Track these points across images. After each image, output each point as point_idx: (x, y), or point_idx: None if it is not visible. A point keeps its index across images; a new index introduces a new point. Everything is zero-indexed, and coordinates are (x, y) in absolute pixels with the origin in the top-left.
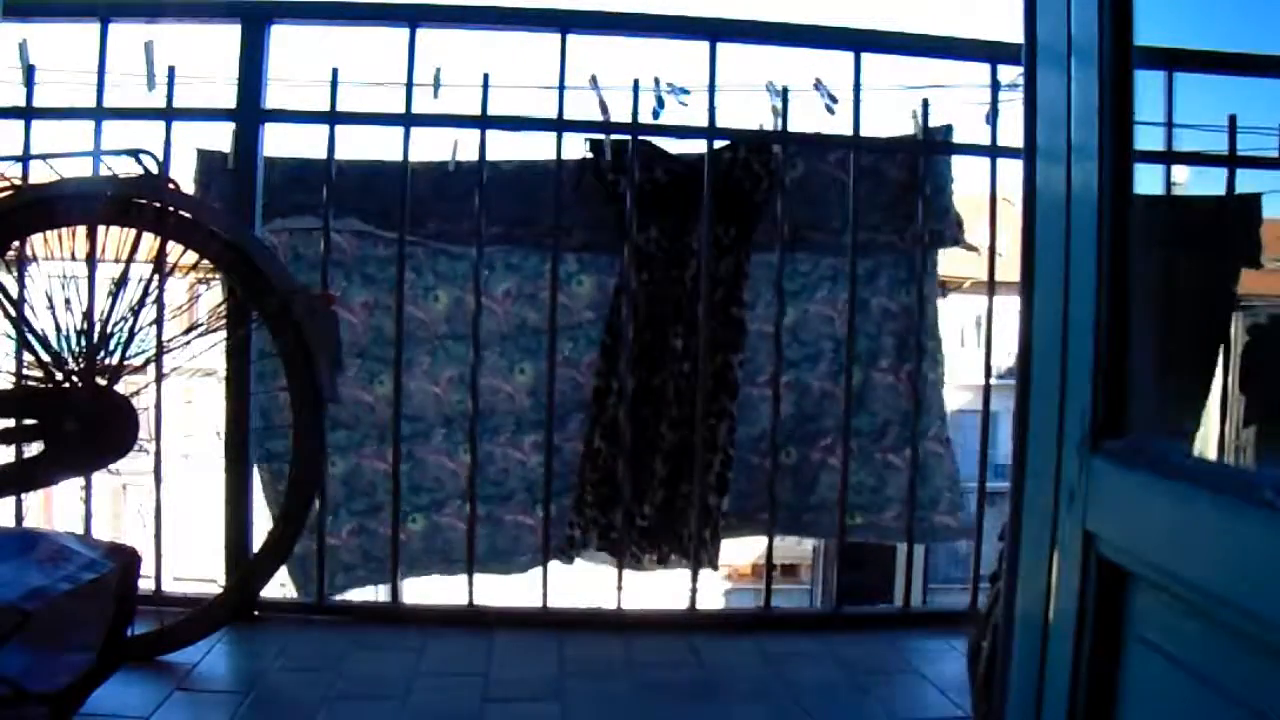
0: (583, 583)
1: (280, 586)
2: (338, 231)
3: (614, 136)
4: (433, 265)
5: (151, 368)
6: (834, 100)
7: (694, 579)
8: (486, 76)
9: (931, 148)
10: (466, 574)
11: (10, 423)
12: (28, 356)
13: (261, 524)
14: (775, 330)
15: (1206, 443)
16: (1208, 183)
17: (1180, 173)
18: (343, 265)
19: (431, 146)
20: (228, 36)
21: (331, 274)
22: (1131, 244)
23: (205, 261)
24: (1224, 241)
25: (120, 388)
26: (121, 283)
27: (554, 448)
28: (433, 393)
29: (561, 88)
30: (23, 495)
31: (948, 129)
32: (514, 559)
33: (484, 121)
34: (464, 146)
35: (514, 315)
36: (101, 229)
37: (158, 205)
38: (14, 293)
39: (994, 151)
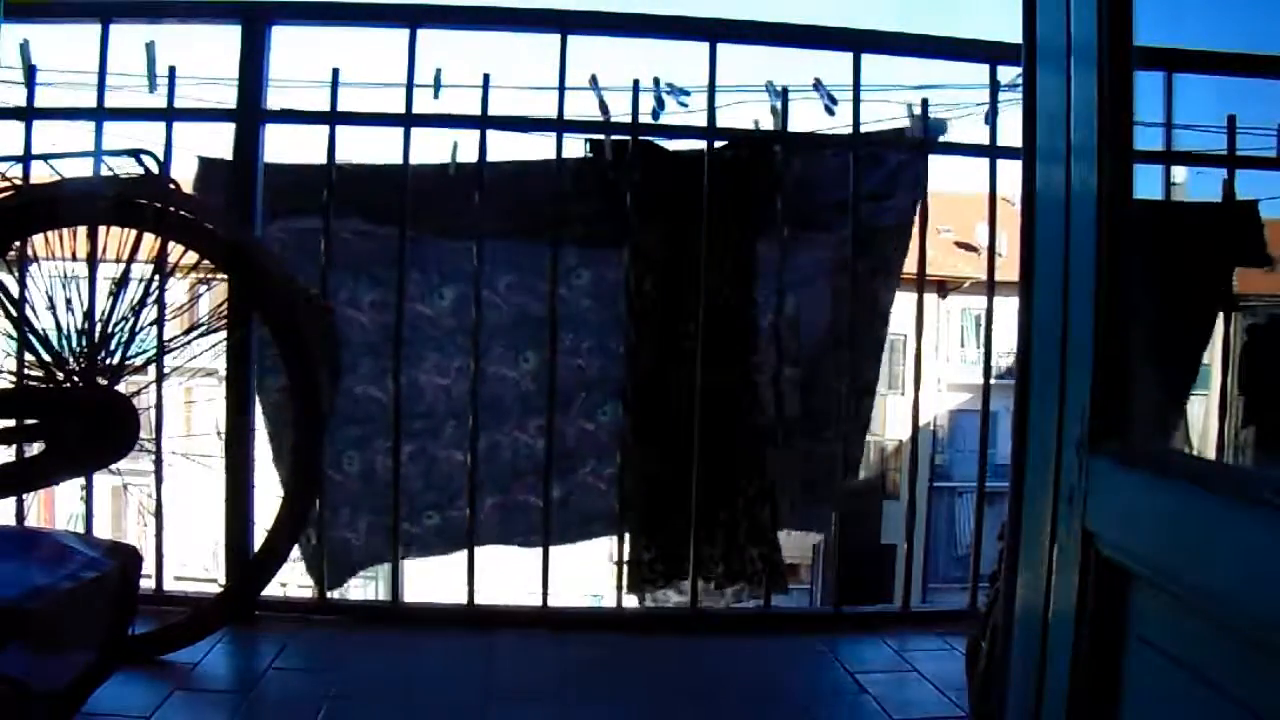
0: (583, 583)
1: (281, 586)
2: (343, 233)
3: (614, 137)
4: (438, 264)
5: (152, 368)
6: (834, 100)
7: (694, 579)
8: (487, 77)
9: (930, 146)
10: (468, 561)
11: (11, 423)
12: (29, 356)
13: (262, 524)
14: (775, 328)
15: (1206, 441)
16: (1206, 183)
17: (1179, 173)
18: (350, 267)
19: (432, 147)
20: (228, 37)
21: (339, 276)
22: (1131, 244)
23: (205, 262)
24: (1225, 249)
25: (121, 387)
26: (122, 283)
27: (557, 431)
28: (442, 385)
29: (561, 88)
30: (23, 495)
31: (942, 123)
32: (529, 536)
33: (484, 122)
34: (464, 148)
35: (516, 307)
36: (102, 229)
37: (158, 205)
38: (15, 293)
39: (993, 151)
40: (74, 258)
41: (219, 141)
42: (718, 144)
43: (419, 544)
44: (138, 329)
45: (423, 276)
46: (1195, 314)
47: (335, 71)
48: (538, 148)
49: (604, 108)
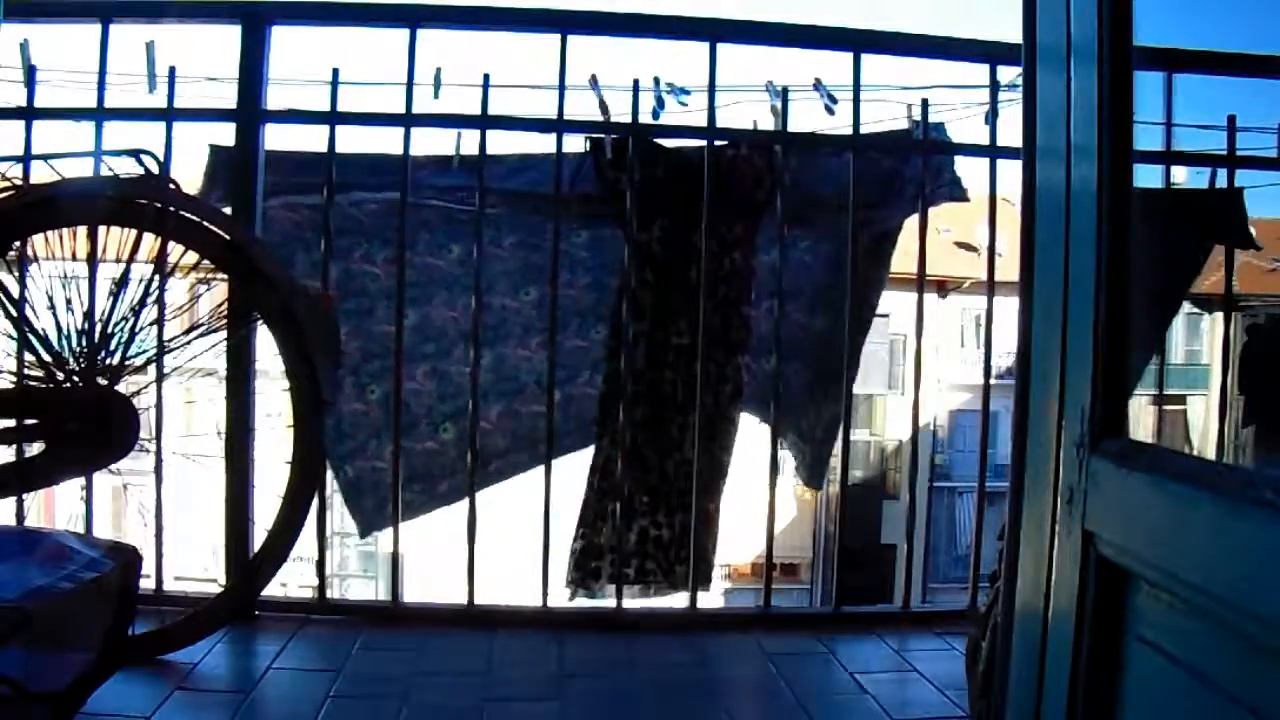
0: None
1: (281, 586)
2: (349, 205)
3: (614, 136)
4: (446, 226)
5: (152, 368)
6: (833, 100)
7: (694, 579)
8: (487, 77)
9: (929, 146)
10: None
11: (11, 423)
12: (29, 356)
13: (262, 524)
14: (775, 326)
15: (1206, 441)
16: (1205, 183)
17: (1179, 173)
18: (363, 232)
19: (431, 147)
20: (228, 37)
21: (353, 240)
22: (1131, 244)
23: (205, 261)
24: (1210, 232)
25: (121, 387)
26: (122, 283)
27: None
28: (451, 316)
29: (561, 88)
30: (23, 495)
31: (940, 127)
32: (536, 447)
33: (484, 122)
34: (466, 141)
35: (519, 258)
36: (102, 229)
37: (158, 205)
38: (15, 293)
39: (994, 151)
40: (74, 258)
41: (226, 139)
42: (718, 143)
43: (437, 465)
44: (138, 329)
45: (430, 237)
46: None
47: (335, 71)
48: (538, 148)
49: (604, 107)
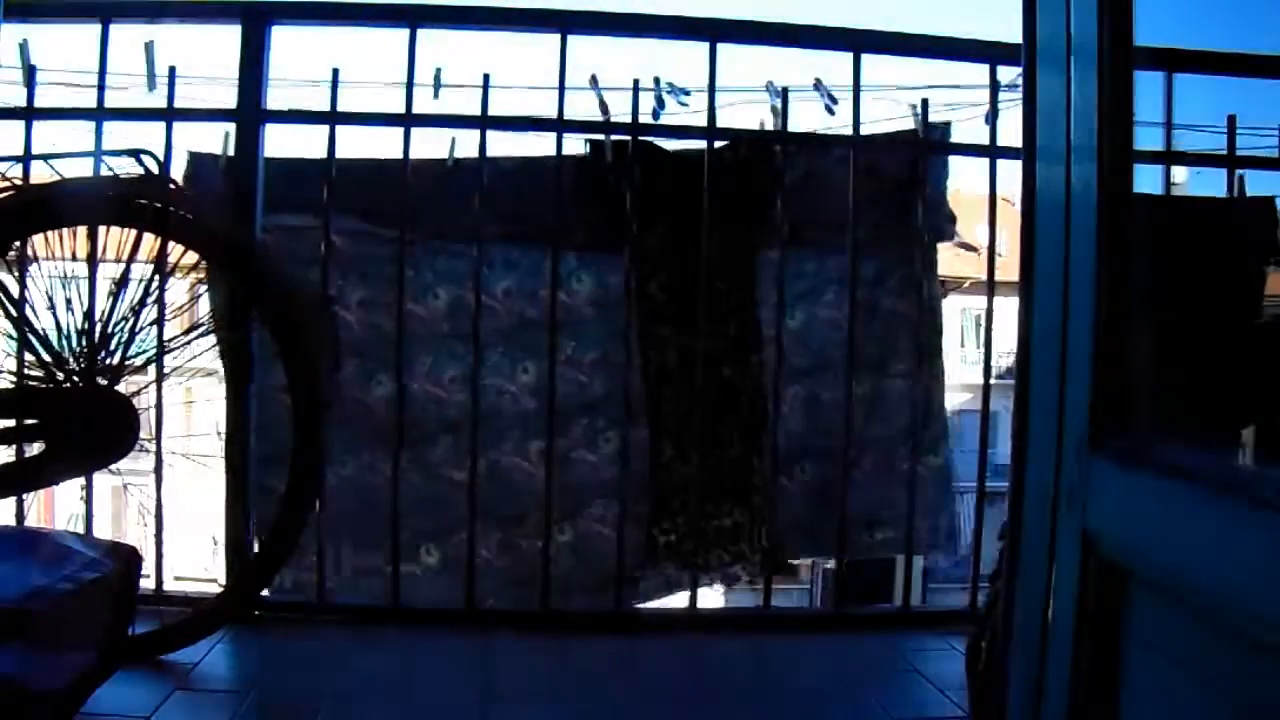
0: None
1: (280, 587)
2: (335, 232)
3: (614, 137)
4: (431, 264)
5: (152, 368)
6: (834, 100)
7: (694, 580)
8: (487, 76)
9: (931, 147)
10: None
11: (11, 423)
12: (29, 356)
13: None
14: (777, 334)
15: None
16: (1207, 183)
17: (1179, 173)
18: (339, 263)
19: (431, 147)
20: (228, 37)
21: (328, 272)
22: (1131, 244)
23: (205, 262)
24: (1243, 244)
25: (121, 387)
26: (122, 283)
27: (560, 455)
28: (435, 395)
29: (561, 88)
30: (23, 495)
31: (946, 127)
32: (530, 591)
33: (484, 122)
34: (463, 143)
35: (514, 313)
36: (102, 229)
37: (158, 205)
38: (15, 293)
39: (994, 151)
40: (74, 258)
41: (218, 142)
42: (718, 144)
43: (419, 597)
44: (137, 329)
45: (415, 274)
46: (1210, 314)
47: (335, 71)
48: (538, 148)
49: (604, 108)
